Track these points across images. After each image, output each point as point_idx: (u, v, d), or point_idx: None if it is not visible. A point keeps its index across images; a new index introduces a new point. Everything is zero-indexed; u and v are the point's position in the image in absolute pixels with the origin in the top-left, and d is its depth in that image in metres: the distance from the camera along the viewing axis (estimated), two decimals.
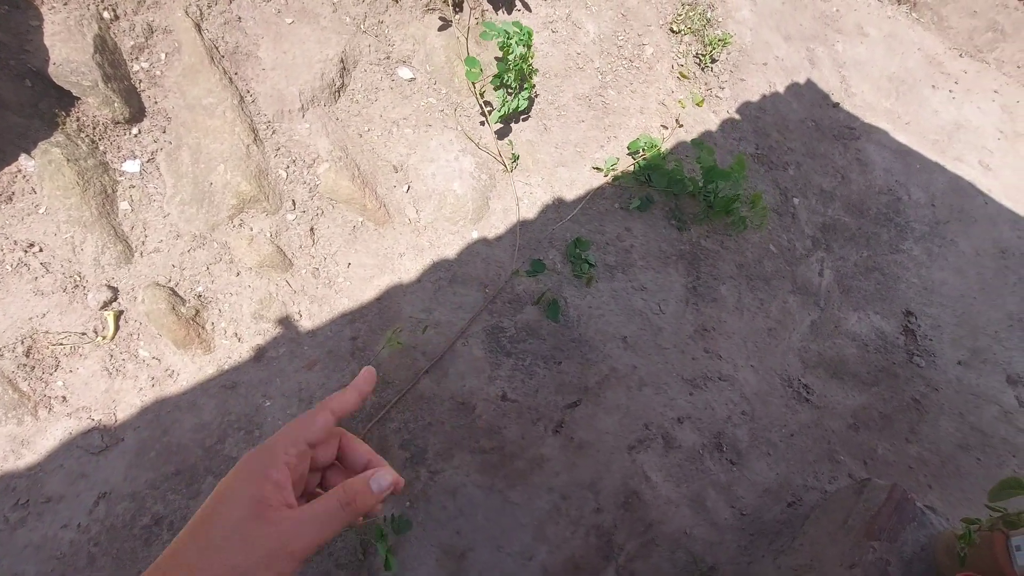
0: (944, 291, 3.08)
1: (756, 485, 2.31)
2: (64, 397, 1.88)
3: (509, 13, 2.99)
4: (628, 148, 2.96)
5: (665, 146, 3.04)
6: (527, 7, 3.04)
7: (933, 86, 3.88)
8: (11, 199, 1.89)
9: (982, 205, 3.43)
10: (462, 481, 2.04)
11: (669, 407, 2.40)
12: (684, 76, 3.18)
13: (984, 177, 3.55)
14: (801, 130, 3.41)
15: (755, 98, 3.43)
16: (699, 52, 3.40)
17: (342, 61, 2.52)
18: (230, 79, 2.31)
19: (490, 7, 2.94)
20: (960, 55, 4.09)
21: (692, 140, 3.08)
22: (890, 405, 2.65)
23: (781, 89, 3.53)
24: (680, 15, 3.42)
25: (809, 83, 3.62)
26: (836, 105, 3.59)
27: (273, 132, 2.36)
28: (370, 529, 1.86)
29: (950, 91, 3.88)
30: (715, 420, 2.43)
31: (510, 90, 2.68)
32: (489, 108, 2.74)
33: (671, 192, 2.89)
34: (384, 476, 0.50)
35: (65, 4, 1.99)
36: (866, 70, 3.80)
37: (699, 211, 2.92)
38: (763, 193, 3.13)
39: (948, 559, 1.64)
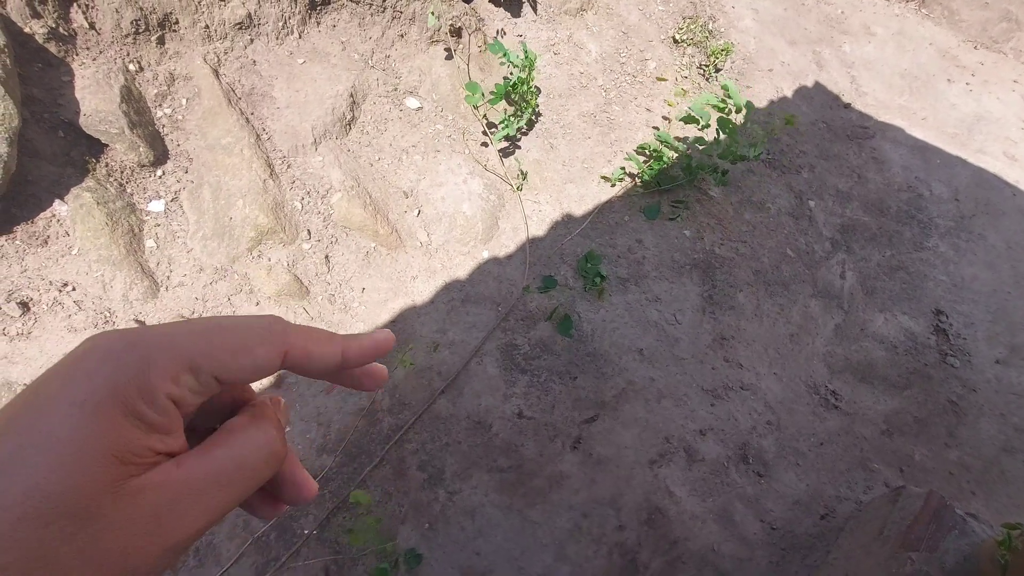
0: (976, 287, 2.96)
1: (786, 497, 2.23)
2: None
3: (508, 36, 3.08)
4: (636, 149, 2.98)
5: (671, 154, 3.04)
6: (533, 9, 3.10)
7: (948, 80, 3.80)
8: (46, 242, 2.01)
9: (1010, 197, 3.31)
10: (480, 501, 2.03)
11: (690, 419, 2.35)
12: (684, 92, 3.20)
13: (1010, 168, 3.44)
14: (812, 132, 3.38)
15: (763, 104, 3.42)
16: (702, 63, 3.43)
17: (352, 96, 2.63)
18: (247, 119, 2.43)
19: (494, 30, 3.03)
20: (975, 47, 4.00)
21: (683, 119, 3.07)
22: (925, 408, 2.54)
23: (789, 93, 3.51)
24: (681, 28, 3.46)
25: (818, 85, 3.59)
26: (847, 105, 3.55)
27: (288, 166, 2.46)
28: (385, 555, 1.86)
29: (967, 84, 3.80)
30: (739, 431, 2.36)
31: (517, 108, 2.75)
32: (493, 130, 2.81)
33: (681, 182, 2.89)
34: (280, 403, 0.32)
35: (94, 59, 2.14)
36: (876, 69, 3.75)
37: (716, 181, 2.91)
38: (777, 197, 3.09)
39: (993, 568, 1.55)
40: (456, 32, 2.84)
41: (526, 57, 2.65)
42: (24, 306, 1.95)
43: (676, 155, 2.91)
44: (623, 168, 2.91)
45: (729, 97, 2.78)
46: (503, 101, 2.70)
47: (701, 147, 2.97)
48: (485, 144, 2.82)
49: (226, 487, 0.27)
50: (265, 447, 0.30)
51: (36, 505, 0.22)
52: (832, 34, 3.85)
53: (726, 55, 3.39)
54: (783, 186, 3.14)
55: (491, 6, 3.03)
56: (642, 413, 2.32)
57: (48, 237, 2.02)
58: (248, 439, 0.29)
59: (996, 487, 2.34)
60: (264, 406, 0.32)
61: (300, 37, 2.60)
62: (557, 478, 2.12)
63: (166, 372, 0.26)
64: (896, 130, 3.49)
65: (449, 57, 2.85)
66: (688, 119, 2.89)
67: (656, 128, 3.14)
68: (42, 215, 2.01)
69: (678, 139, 3.05)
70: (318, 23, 2.65)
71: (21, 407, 0.25)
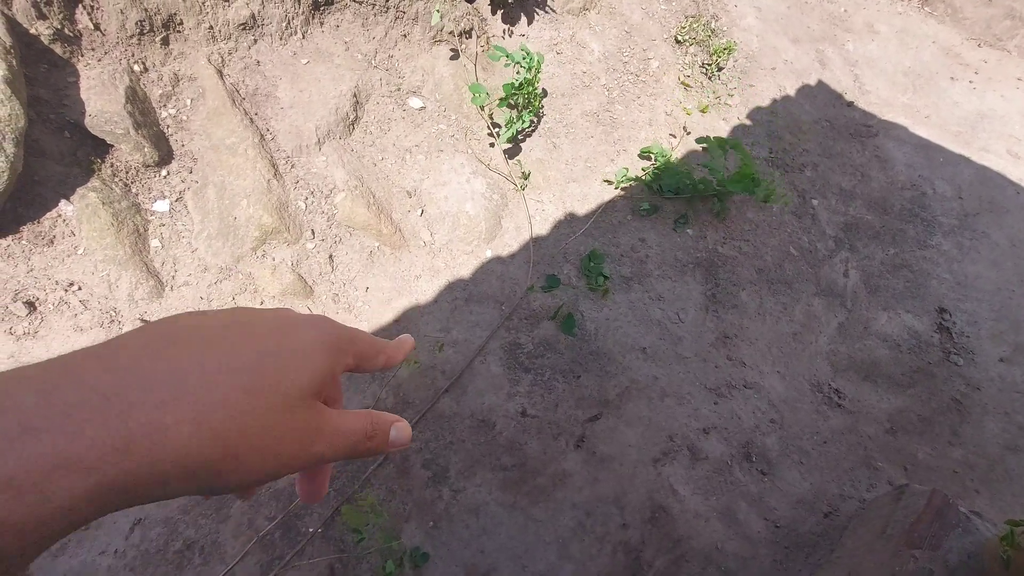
0: (979, 285, 2.96)
1: (789, 496, 2.23)
2: None
3: (521, 32, 3.08)
4: (640, 153, 2.98)
5: (675, 155, 3.05)
6: (535, 17, 3.12)
7: (952, 78, 3.79)
8: (52, 242, 2.02)
9: (1014, 195, 3.30)
10: (484, 499, 2.04)
11: (693, 417, 2.35)
12: (687, 86, 3.20)
13: (1014, 166, 3.43)
14: (815, 131, 3.37)
15: (765, 103, 3.42)
16: (705, 62, 3.42)
17: (355, 96, 2.63)
18: (251, 119, 2.44)
19: (497, 32, 3.03)
20: (978, 45, 3.99)
21: (697, 139, 3.07)
22: (929, 407, 2.54)
23: (792, 92, 3.50)
24: (684, 27, 3.46)
25: (821, 84, 3.59)
26: (850, 104, 3.54)
27: (292, 166, 2.47)
28: (390, 553, 1.87)
29: (970, 82, 3.79)
30: (742, 429, 2.37)
31: (518, 110, 2.75)
32: (498, 130, 2.81)
33: (684, 196, 2.89)
34: (405, 430, 0.42)
35: (99, 60, 2.15)
36: (879, 67, 3.74)
37: (712, 218, 2.91)
38: (779, 189, 3.09)
39: (997, 566, 1.55)
40: (464, 34, 2.85)
41: (530, 58, 2.65)
42: (31, 305, 1.96)
43: (677, 163, 2.91)
44: (627, 169, 2.91)
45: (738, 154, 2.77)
46: (507, 102, 2.70)
47: (708, 167, 2.92)
48: (492, 144, 2.83)
49: (341, 443, 0.37)
50: (372, 450, 0.40)
51: (290, 392, 0.33)
52: (835, 32, 3.84)
53: (729, 54, 3.39)
54: (786, 184, 3.14)
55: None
56: (645, 411, 2.32)
57: (54, 237, 2.04)
58: (365, 435, 0.39)
59: (1000, 485, 2.34)
60: (384, 422, 0.41)
61: (304, 37, 2.61)
62: (561, 476, 2.13)
63: (352, 352, 0.40)
64: (899, 128, 3.48)
65: (454, 57, 2.85)
66: (702, 140, 2.88)
67: (673, 135, 3.14)
68: (48, 215, 2.03)
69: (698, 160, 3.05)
70: (321, 23, 2.65)
71: (286, 329, 0.36)
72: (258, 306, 2.28)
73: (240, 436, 0.30)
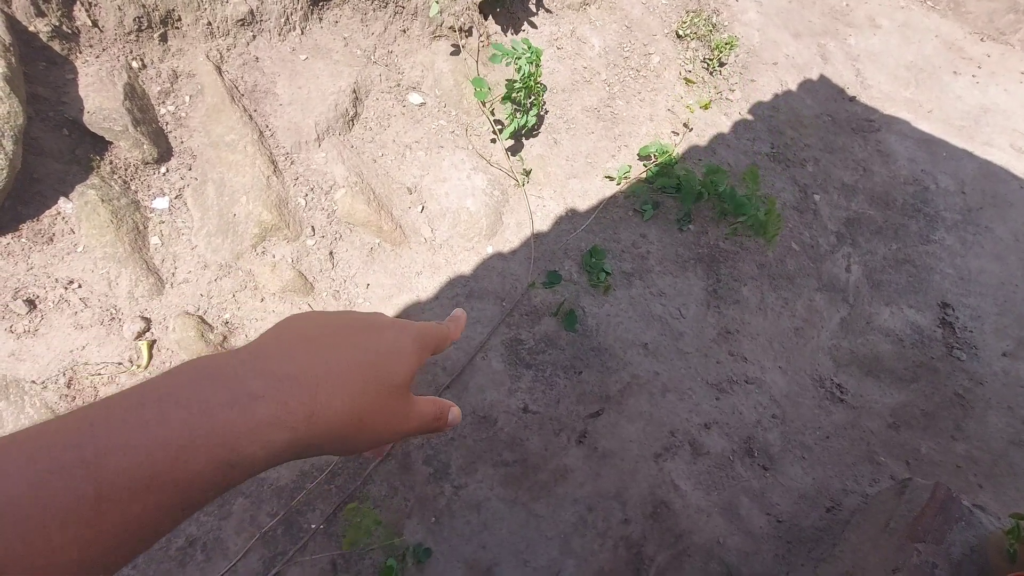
0: (983, 279, 2.94)
1: (791, 491, 2.22)
2: None
3: (516, 33, 3.07)
4: (639, 154, 2.97)
5: (677, 151, 3.04)
6: (532, 25, 3.11)
7: (955, 72, 3.77)
8: (52, 240, 2.02)
9: (1017, 189, 3.28)
10: (486, 495, 2.04)
11: (695, 413, 2.35)
12: (690, 81, 3.18)
13: (1018, 161, 3.41)
14: (817, 126, 3.36)
15: (767, 98, 3.40)
16: (706, 57, 3.41)
17: (354, 92, 2.63)
18: (250, 116, 2.43)
19: (497, 29, 3.02)
20: (981, 39, 3.97)
21: (706, 166, 3.06)
22: (932, 402, 2.53)
23: (793, 87, 3.49)
24: (685, 22, 3.45)
25: (822, 78, 3.57)
26: (852, 99, 3.53)
27: (291, 163, 2.46)
28: (393, 549, 1.87)
29: (973, 76, 3.77)
30: (744, 424, 2.36)
31: (519, 107, 2.74)
32: (499, 126, 2.80)
33: (684, 199, 2.87)
34: (458, 413, 0.51)
35: (97, 57, 2.14)
36: (881, 61, 3.72)
37: (715, 215, 2.89)
38: (781, 191, 3.08)
39: (1000, 559, 1.55)
40: (464, 30, 2.83)
41: (531, 51, 2.63)
42: (31, 304, 1.96)
43: (679, 158, 2.89)
44: (630, 166, 2.90)
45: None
46: (509, 98, 2.69)
47: (712, 175, 2.89)
48: (493, 140, 2.82)
49: (422, 423, 0.46)
50: (438, 428, 0.49)
51: (396, 383, 0.42)
52: (837, 26, 3.82)
53: (730, 49, 3.37)
54: (788, 179, 3.13)
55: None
56: (647, 407, 2.32)
57: (54, 235, 2.03)
58: (434, 417, 0.48)
59: (1004, 480, 2.33)
60: (446, 407, 0.50)
61: (302, 33, 2.60)
62: (562, 472, 2.12)
63: (429, 347, 0.48)
64: (902, 123, 3.47)
65: (454, 53, 2.84)
66: (710, 171, 2.86)
67: (675, 133, 3.13)
68: (48, 213, 2.02)
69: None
70: (320, 19, 2.65)
71: (384, 333, 0.44)
72: (264, 303, 2.28)
73: (370, 414, 0.40)
